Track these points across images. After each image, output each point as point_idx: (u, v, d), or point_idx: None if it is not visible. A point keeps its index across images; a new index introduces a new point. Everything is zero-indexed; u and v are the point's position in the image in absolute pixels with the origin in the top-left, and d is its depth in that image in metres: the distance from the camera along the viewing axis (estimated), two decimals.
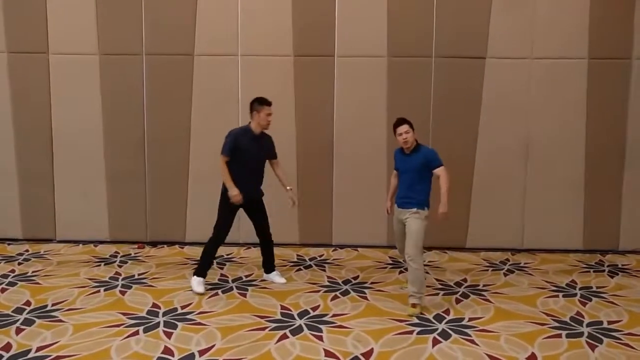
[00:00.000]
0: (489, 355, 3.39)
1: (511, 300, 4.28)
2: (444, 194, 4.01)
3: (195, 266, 4.55)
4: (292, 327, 3.75)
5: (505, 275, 4.90)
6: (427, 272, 4.77)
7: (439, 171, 4.05)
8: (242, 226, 5.66)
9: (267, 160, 4.55)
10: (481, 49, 5.41)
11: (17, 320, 3.80)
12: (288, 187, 4.55)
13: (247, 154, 4.34)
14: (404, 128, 4.12)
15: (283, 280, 4.64)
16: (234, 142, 4.32)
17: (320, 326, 3.77)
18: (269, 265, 4.71)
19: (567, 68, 5.41)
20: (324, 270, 4.98)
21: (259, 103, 4.38)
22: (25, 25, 5.49)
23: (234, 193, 4.28)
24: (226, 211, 4.42)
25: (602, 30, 5.34)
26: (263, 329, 3.73)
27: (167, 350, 3.40)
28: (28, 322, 3.76)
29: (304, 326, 3.77)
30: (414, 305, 4.01)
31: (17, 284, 4.50)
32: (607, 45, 5.37)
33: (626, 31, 5.36)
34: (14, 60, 5.55)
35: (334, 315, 3.96)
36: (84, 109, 5.57)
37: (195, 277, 4.41)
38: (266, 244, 4.66)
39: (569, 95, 5.44)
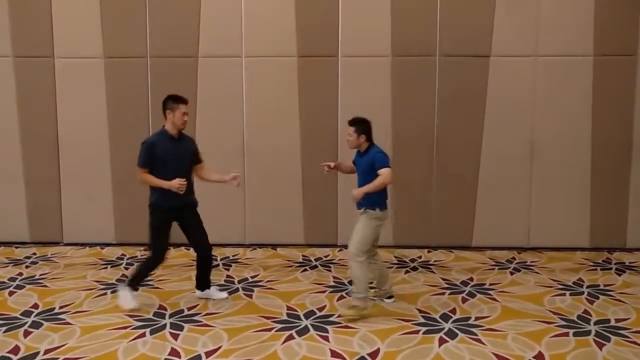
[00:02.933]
0: (496, 355, 3.38)
1: (518, 299, 4.26)
2: (369, 186, 3.87)
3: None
4: (298, 328, 3.75)
5: (511, 274, 4.88)
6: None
7: (381, 171, 3.88)
8: (248, 227, 5.69)
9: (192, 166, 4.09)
10: (485, 47, 5.39)
11: (25, 323, 3.82)
12: (233, 174, 4.07)
13: (168, 160, 3.88)
14: (349, 129, 4.05)
15: (224, 295, 4.24)
16: (150, 150, 3.87)
17: (327, 326, 3.77)
18: (204, 281, 4.22)
19: (573, 65, 5.39)
20: (330, 271, 4.98)
21: (173, 101, 3.90)
22: (31, 30, 5.53)
23: (174, 184, 3.81)
24: (157, 230, 3.97)
25: (607, 26, 5.31)
26: (269, 329, 3.73)
27: (174, 352, 3.41)
28: (36, 325, 3.79)
29: (310, 327, 3.77)
30: (351, 307, 3.91)
31: (24, 287, 4.53)
32: (612, 42, 5.34)
33: (632, 27, 5.33)
34: (20, 64, 5.59)
35: (340, 316, 3.96)
36: (90, 112, 5.60)
37: (128, 287, 4.02)
38: (204, 256, 4.15)
39: (575, 92, 5.41)
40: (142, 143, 3.96)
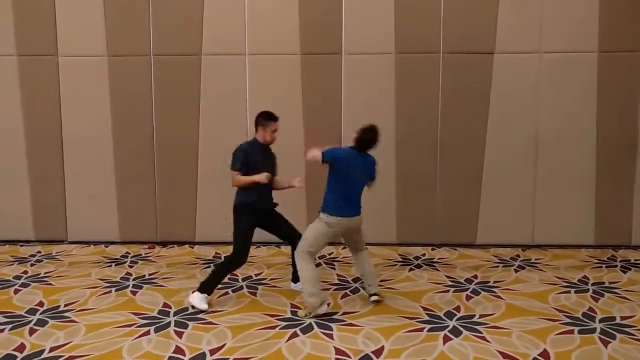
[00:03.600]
0: (500, 352, 3.37)
1: (522, 297, 4.25)
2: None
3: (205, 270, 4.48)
4: (302, 326, 3.75)
5: (516, 271, 4.86)
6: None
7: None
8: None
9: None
10: (489, 44, 5.37)
11: (31, 321, 3.84)
12: (296, 180, 4.25)
13: (258, 166, 4.09)
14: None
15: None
16: (245, 154, 4.09)
17: (331, 324, 3.77)
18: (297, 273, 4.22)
19: (577, 61, 5.36)
20: (334, 269, 4.98)
21: (265, 118, 4.16)
22: (35, 29, 5.54)
23: (262, 176, 3.99)
24: (244, 230, 4.09)
25: (611, 22, 5.28)
26: (273, 327, 3.74)
27: (178, 350, 3.42)
28: (41, 323, 3.80)
29: (314, 324, 3.77)
30: (304, 306, 3.92)
31: (30, 285, 4.55)
32: (617, 38, 5.31)
33: (636, 23, 5.30)
34: (24, 63, 5.60)
35: (344, 313, 3.96)
36: (94, 110, 5.61)
37: (198, 292, 4.03)
38: (295, 246, 4.19)
39: (579, 89, 5.39)
40: (236, 148, 4.15)
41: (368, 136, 3.99)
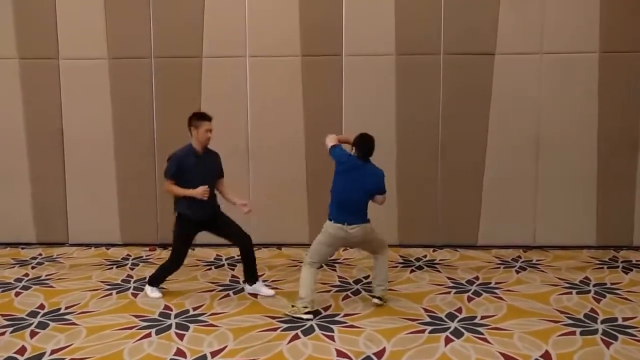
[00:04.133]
0: (502, 354, 3.36)
1: (524, 298, 4.24)
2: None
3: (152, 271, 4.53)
4: (303, 328, 3.75)
5: (517, 272, 4.86)
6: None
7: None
8: (253, 227, 5.68)
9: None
10: (490, 45, 5.37)
11: (32, 323, 3.84)
12: (241, 202, 4.25)
13: (194, 175, 4.05)
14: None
15: (271, 292, 4.31)
16: (178, 164, 4.06)
17: (332, 326, 3.76)
18: (252, 275, 4.33)
19: (578, 62, 5.35)
20: (335, 270, 4.97)
21: (197, 118, 4.11)
22: (36, 32, 5.55)
23: (199, 191, 3.98)
24: (182, 238, 4.18)
25: (613, 23, 5.28)
26: (275, 329, 3.73)
27: (180, 352, 3.42)
28: (42, 325, 3.80)
29: (315, 326, 3.77)
30: (293, 305, 3.93)
31: (30, 287, 4.55)
32: (618, 38, 5.30)
33: (637, 23, 5.29)
34: (25, 66, 5.61)
35: (345, 315, 3.95)
36: (94, 112, 5.62)
37: (148, 285, 4.32)
38: (248, 249, 4.26)
39: (580, 89, 5.38)
40: (170, 157, 4.16)
41: (365, 144, 4.00)
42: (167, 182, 4.13)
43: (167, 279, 4.39)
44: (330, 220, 3.97)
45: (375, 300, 4.07)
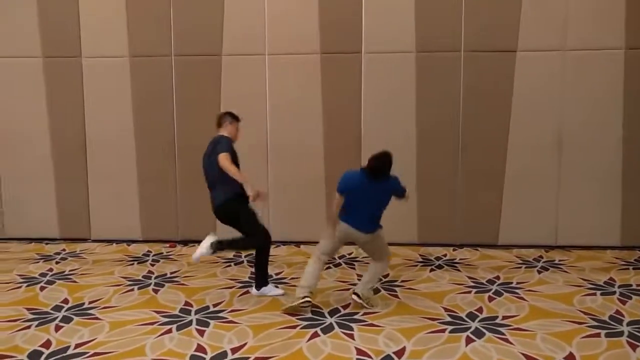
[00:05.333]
0: (524, 355, 3.32)
1: (546, 298, 4.18)
2: None
3: (253, 271, 4.49)
4: (323, 326, 3.75)
5: (539, 272, 4.79)
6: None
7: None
8: (272, 224, 5.70)
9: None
10: (512, 42, 5.29)
11: (56, 317, 3.91)
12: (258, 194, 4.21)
13: (236, 158, 4.25)
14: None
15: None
16: (231, 147, 4.22)
17: (352, 324, 3.76)
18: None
19: (603, 59, 5.24)
20: (354, 269, 4.96)
21: (234, 117, 4.35)
22: (59, 31, 5.64)
23: (255, 191, 4.03)
24: (251, 214, 4.16)
25: (639, 18, 5.15)
26: (294, 327, 3.74)
27: (200, 348, 3.44)
28: (66, 320, 3.87)
29: (334, 324, 3.77)
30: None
31: (55, 282, 4.64)
32: None
33: None
34: (49, 64, 5.70)
35: (365, 314, 3.94)
36: (116, 110, 5.69)
37: (263, 288, 4.26)
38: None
39: (605, 87, 5.27)
40: (223, 136, 4.25)
41: (377, 165, 3.91)
42: (225, 156, 4.08)
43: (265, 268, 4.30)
44: (342, 221, 3.96)
45: (354, 297, 4.01)
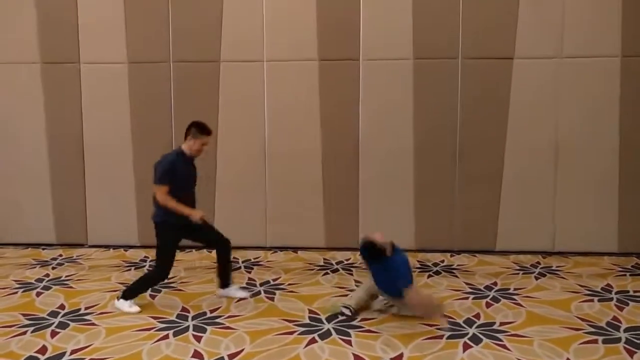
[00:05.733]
0: None
1: (544, 305, 4.18)
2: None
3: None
4: (320, 332, 3.74)
5: (536, 278, 4.79)
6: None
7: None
8: (269, 230, 5.70)
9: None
10: (509, 49, 5.32)
11: (52, 323, 3.89)
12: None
13: (183, 178, 4.02)
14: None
15: (245, 294, 4.31)
16: (171, 168, 3.95)
17: (349, 330, 3.75)
18: (227, 279, 4.33)
19: (599, 66, 5.28)
20: (351, 274, 4.96)
21: (199, 130, 4.02)
22: (58, 36, 5.65)
23: (197, 215, 3.94)
24: (169, 245, 4.05)
25: (635, 26, 5.19)
26: (291, 333, 3.73)
27: (197, 354, 3.43)
28: (62, 326, 3.85)
29: (332, 330, 3.76)
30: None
31: (51, 287, 4.62)
32: None
33: None
34: (47, 70, 5.71)
35: (362, 320, 3.93)
36: (114, 116, 5.69)
37: (122, 300, 4.08)
38: (227, 254, 4.25)
39: (601, 94, 5.30)
40: (160, 160, 4.02)
41: (363, 253, 4.00)
42: (161, 190, 3.92)
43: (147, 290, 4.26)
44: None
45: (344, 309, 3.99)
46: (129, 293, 4.12)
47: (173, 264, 4.13)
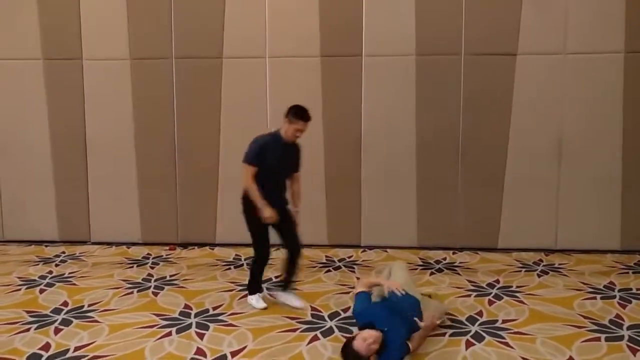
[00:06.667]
0: (524, 359, 3.32)
1: (546, 302, 4.18)
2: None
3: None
4: (323, 329, 3.74)
5: (539, 276, 4.78)
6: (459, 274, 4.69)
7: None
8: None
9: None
10: (512, 45, 5.30)
11: (56, 320, 3.90)
12: (295, 209, 4.09)
13: (274, 164, 3.84)
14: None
15: (302, 304, 4.05)
16: (261, 149, 3.84)
17: (351, 328, 3.75)
18: (287, 282, 4.15)
19: (602, 63, 5.25)
20: (354, 272, 4.96)
21: (295, 114, 3.86)
22: (60, 33, 5.64)
23: (268, 214, 3.80)
24: (257, 227, 3.95)
25: (638, 22, 5.16)
26: (294, 330, 3.74)
27: (200, 352, 3.44)
28: (66, 323, 3.86)
29: (334, 328, 3.76)
30: None
31: (54, 284, 4.63)
32: None
33: None
34: (49, 66, 5.70)
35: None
36: (116, 112, 5.69)
37: (250, 295, 4.12)
38: (295, 257, 4.06)
39: (605, 91, 5.28)
40: (254, 139, 3.90)
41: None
42: (247, 170, 3.77)
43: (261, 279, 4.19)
44: None
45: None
46: (250, 288, 4.15)
47: (269, 242, 4.01)
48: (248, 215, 3.98)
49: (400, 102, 5.44)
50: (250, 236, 4.05)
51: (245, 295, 4.33)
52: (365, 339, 3.10)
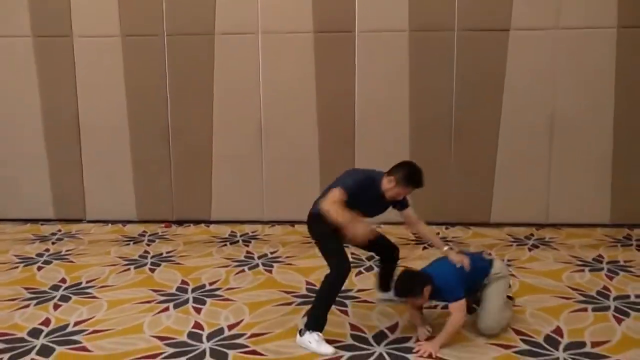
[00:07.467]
0: (513, 329, 3.41)
1: (536, 275, 4.27)
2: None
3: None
4: None
5: (529, 250, 4.87)
6: None
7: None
8: (266, 204, 5.74)
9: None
10: (505, 21, 5.28)
11: (55, 297, 3.96)
12: (446, 248, 3.50)
13: (361, 208, 3.28)
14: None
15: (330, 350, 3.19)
16: (361, 187, 3.29)
17: (346, 301, 3.83)
18: (387, 284, 3.77)
19: (595, 38, 5.25)
20: (348, 247, 5.01)
21: (410, 181, 3.33)
22: (49, 9, 5.56)
23: (361, 231, 3.13)
24: (335, 242, 3.31)
25: None
26: (289, 304, 3.81)
27: (197, 325, 3.51)
28: (65, 299, 3.92)
29: None
30: None
31: (52, 262, 4.67)
32: (637, 13, 5.18)
33: None
34: (39, 44, 5.64)
35: (358, 291, 4.02)
36: (108, 90, 5.65)
37: (309, 332, 3.22)
38: (392, 259, 3.74)
39: (597, 66, 5.29)
40: (359, 171, 3.51)
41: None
42: (339, 195, 3.19)
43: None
44: None
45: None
46: (315, 321, 3.26)
47: (345, 254, 3.30)
48: (324, 233, 3.35)
49: (393, 77, 5.43)
50: (327, 257, 3.35)
51: (241, 271, 4.39)
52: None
